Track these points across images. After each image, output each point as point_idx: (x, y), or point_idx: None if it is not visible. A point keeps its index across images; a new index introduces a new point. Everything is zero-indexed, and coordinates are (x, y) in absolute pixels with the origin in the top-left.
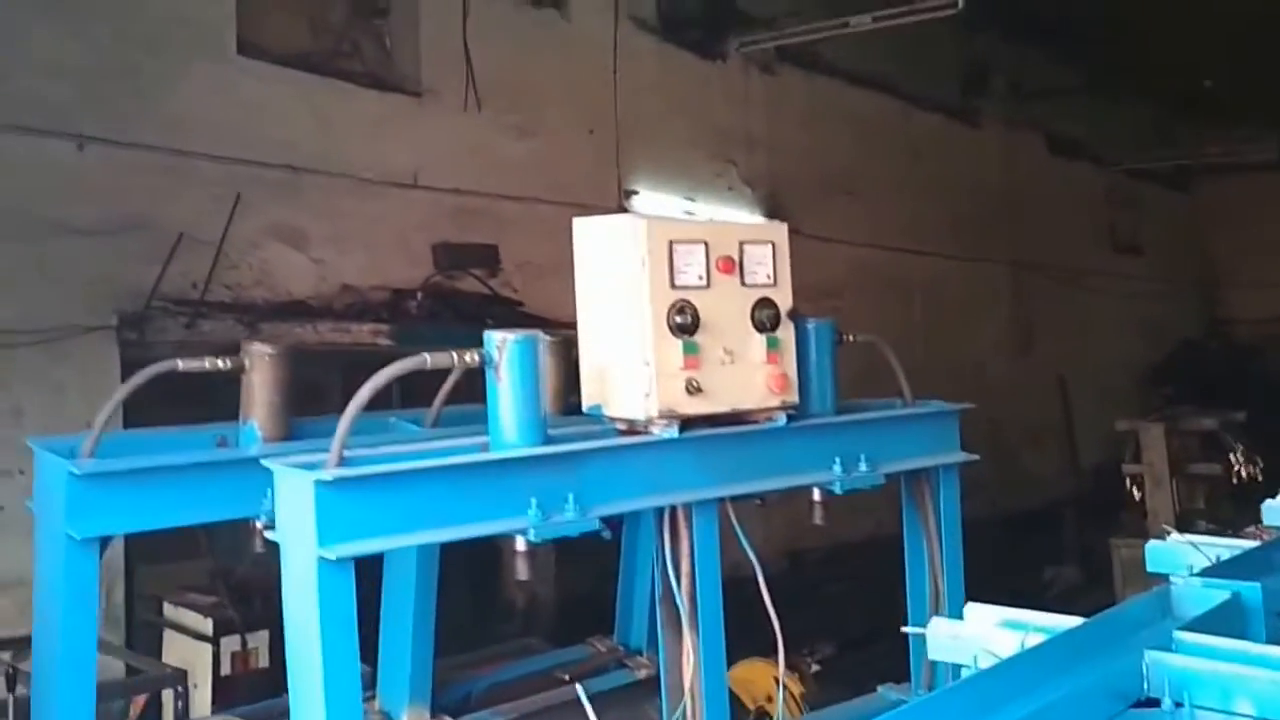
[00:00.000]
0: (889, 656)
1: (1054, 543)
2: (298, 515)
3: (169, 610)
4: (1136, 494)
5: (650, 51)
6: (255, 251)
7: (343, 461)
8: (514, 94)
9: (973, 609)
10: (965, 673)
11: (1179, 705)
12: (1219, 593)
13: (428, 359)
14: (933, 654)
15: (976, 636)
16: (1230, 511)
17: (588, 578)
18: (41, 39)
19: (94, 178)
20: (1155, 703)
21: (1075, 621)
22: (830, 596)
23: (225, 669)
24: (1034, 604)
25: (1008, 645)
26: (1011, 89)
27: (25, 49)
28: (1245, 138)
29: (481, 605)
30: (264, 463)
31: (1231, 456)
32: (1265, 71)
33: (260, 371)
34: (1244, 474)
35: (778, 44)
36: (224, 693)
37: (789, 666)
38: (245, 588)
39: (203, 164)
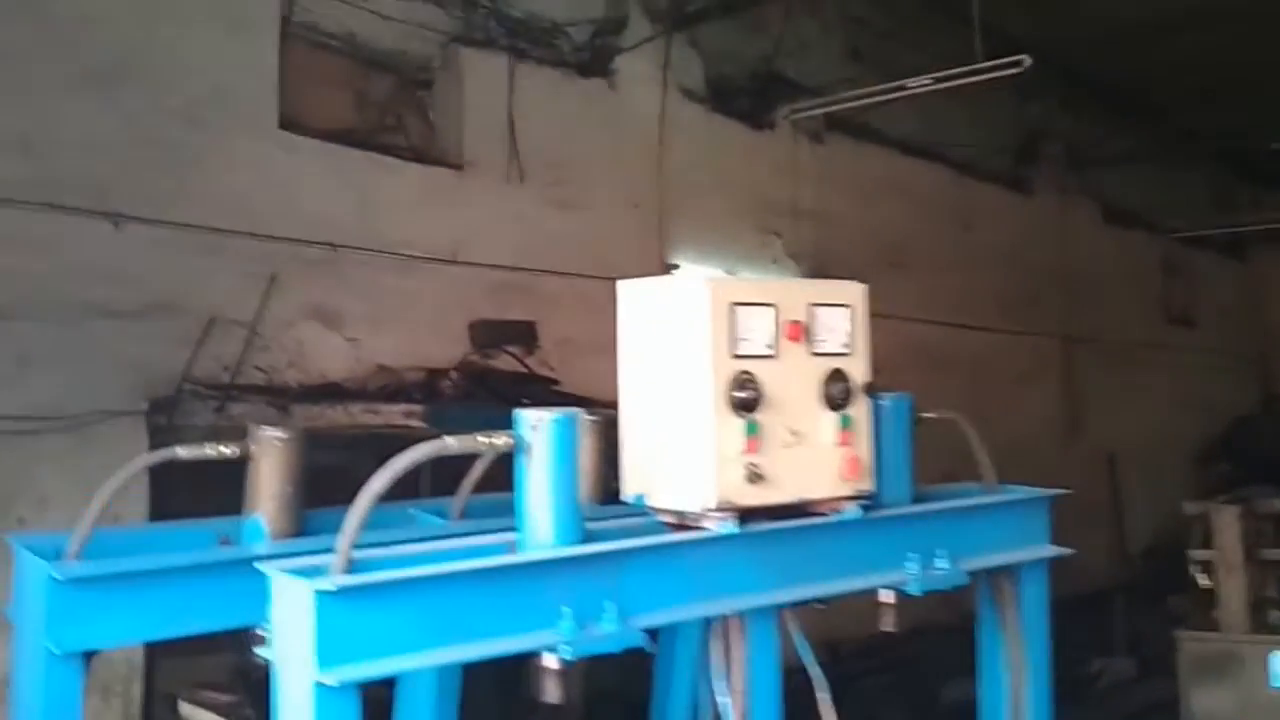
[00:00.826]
0: None
1: (1102, 631)
2: (296, 631)
3: (185, 709)
4: (1203, 581)
5: (698, 122)
6: (289, 332)
7: (351, 565)
8: (558, 166)
9: None
10: None
11: None
12: None
13: (450, 443)
14: None
15: None
16: None
17: (616, 671)
18: (79, 115)
19: (130, 257)
20: None
21: None
22: (867, 690)
23: None
24: (1083, 696)
25: None
26: (1067, 156)
27: (63, 126)
28: None
29: (504, 698)
30: (259, 566)
31: None
32: None
33: (268, 458)
34: None
35: (829, 110)
36: None
37: None
38: (266, 686)
39: (240, 242)
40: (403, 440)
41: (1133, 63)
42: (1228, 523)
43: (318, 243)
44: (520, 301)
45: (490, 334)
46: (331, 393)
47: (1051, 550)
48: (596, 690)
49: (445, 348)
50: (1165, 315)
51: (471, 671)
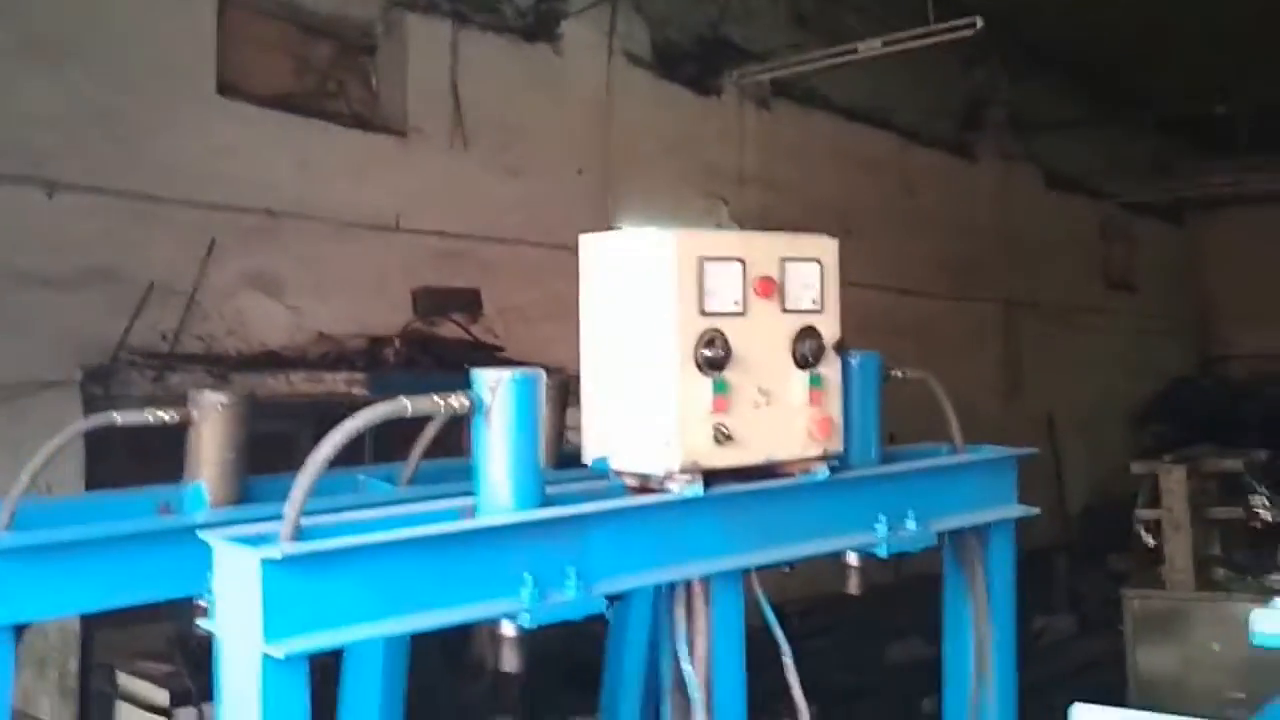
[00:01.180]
0: (874, 714)
1: (1042, 590)
2: (241, 602)
3: (123, 680)
4: (1149, 541)
5: (644, 87)
6: (229, 300)
7: (299, 533)
8: (503, 132)
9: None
10: None
11: None
12: None
13: (407, 405)
14: None
15: None
16: (1246, 557)
17: (558, 634)
18: (14, 83)
19: (64, 226)
20: None
21: None
22: (811, 652)
23: None
24: (1026, 654)
25: None
26: (1010, 122)
27: None
28: (1244, 168)
29: (449, 663)
30: (201, 534)
31: (1254, 499)
32: (1266, 100)
33: (211, 424)
34: (1268, 517)
35: (775, 75)
36: None
37: None
38: (204, 654)
39: (178, 210)
40: (345, 409)
41: (1077, 29)
42: (1176, 482)
43: (257, 209)
44: (464, 269)
45: (434, 301)
46: (272, 361)
47: (1019, 510)
48: (538, 653)
49: (388, 315)
50: (1105, 280)
51: (418, 638)
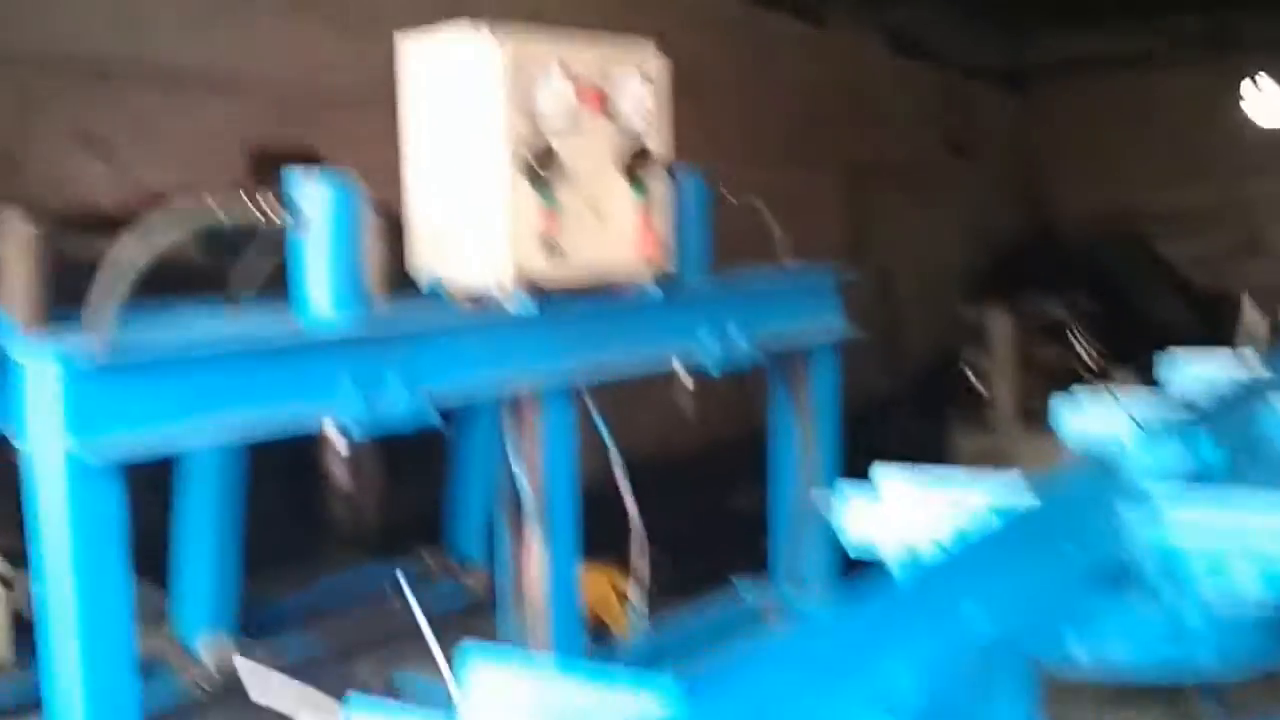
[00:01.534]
0: (717, 558)
1: (879, 442)
2: (46, 410)
3: None
4: (978, 386)
5: None
6: (51, 158)
7: (110, 345)
8: None
9: (886, 478)
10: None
11: (1170, 578)
12: (1167, 453)
13: (220, 213)
14: (853, 539)
15: (902, 518)
16: None
17: (413, 488)
18: None
19: None
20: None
21: (997, 485)
22: (654, 502)
23: (26, 613)
24: None
25: (934, 523)
26: None
27: None
28: (1080, 33)
29: (296, 514)
30: (6, 348)
31: (1076, 345)
32: None
33: (17, 247)
34: (1090, 364)
35: None
36: (24, 640)
37: (623, 571)
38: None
39: None
40: (181, 272)
41: None
42: (1002, 327)
43: (80, 62)
44: (306, 129)
45: (271, 161)
46: (101, 223)
47: (843, 327)
48: (398, 508)
49: (224, 175)
50: (948, 146)
51: (269, 469)
